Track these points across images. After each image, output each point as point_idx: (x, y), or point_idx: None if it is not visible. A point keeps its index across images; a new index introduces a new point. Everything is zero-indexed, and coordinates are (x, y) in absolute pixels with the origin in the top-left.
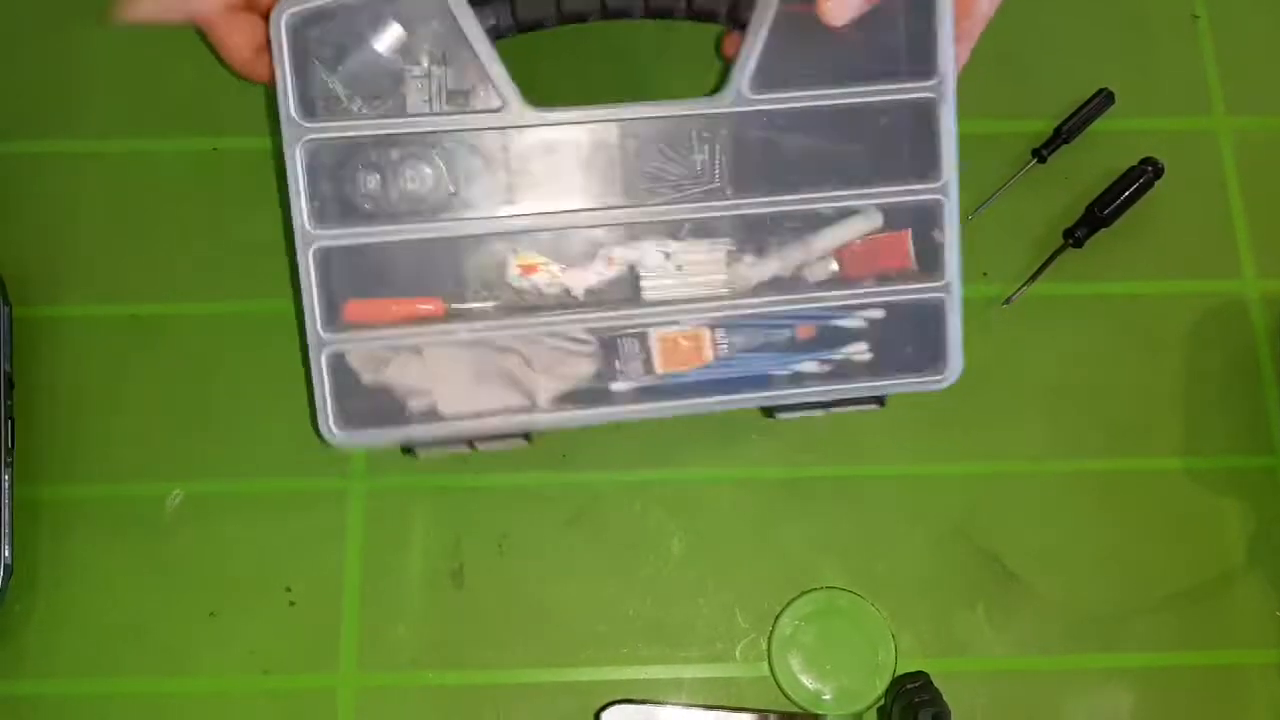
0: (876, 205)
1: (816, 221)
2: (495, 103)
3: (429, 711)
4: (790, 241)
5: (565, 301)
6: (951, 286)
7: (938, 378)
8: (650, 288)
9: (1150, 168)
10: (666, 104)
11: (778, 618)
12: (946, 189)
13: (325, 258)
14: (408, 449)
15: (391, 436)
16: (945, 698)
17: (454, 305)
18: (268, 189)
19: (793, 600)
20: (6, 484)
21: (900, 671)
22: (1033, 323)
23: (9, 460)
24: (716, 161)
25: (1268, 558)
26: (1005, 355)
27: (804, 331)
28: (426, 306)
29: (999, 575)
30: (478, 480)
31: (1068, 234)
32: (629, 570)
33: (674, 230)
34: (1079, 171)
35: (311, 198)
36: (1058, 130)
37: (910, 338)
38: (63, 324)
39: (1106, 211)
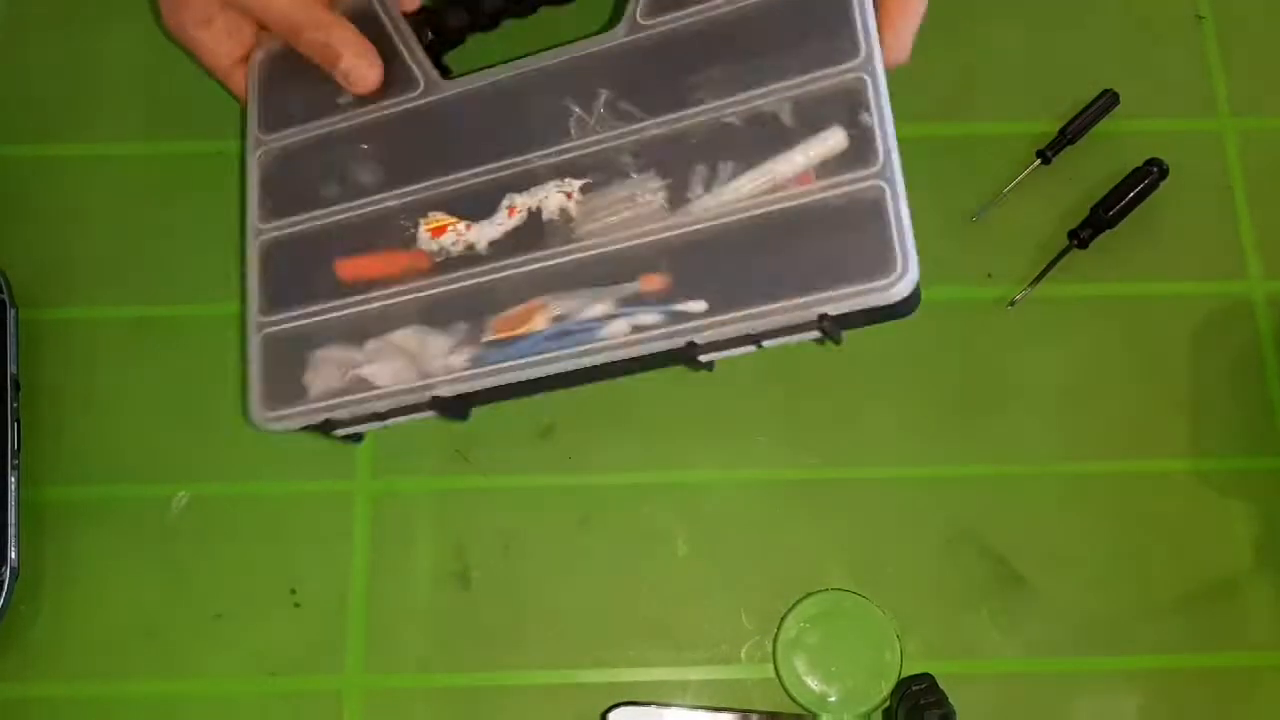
0: (840, 126)
1: (746, 146)
2: (414, 85)
3: (435, 713)
4: (745, 171)
5: (472, 258)
6: (890, 174)
7: (885, 282)
8: (587, 231)
9: (1155, 169)
10: (562, 49)
11: (783, 619)
12: (869, 65)
13: (269, 251)
14: (323, 430)
15: (305, 420)
16: (951, 700)
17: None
18: None
19: (798, 602)
20: (12, 486)
21: (906, 673)
22: (1037, 325)
23: (15, 462)
24: (618, 97)
25: (1276, 559)
26: (1010, 357)
27: (649, 282)
28: (413, 260)
29: (1005, 577)
30: (484, 482)
31: (1072, 235)
32: (635, 572)
33: (580, 171)
34: (1083, 173)
35: (264, 199)
36: (1062, 131)
37: (848, 245)
38: (68, 326)
39: (1111, 213)
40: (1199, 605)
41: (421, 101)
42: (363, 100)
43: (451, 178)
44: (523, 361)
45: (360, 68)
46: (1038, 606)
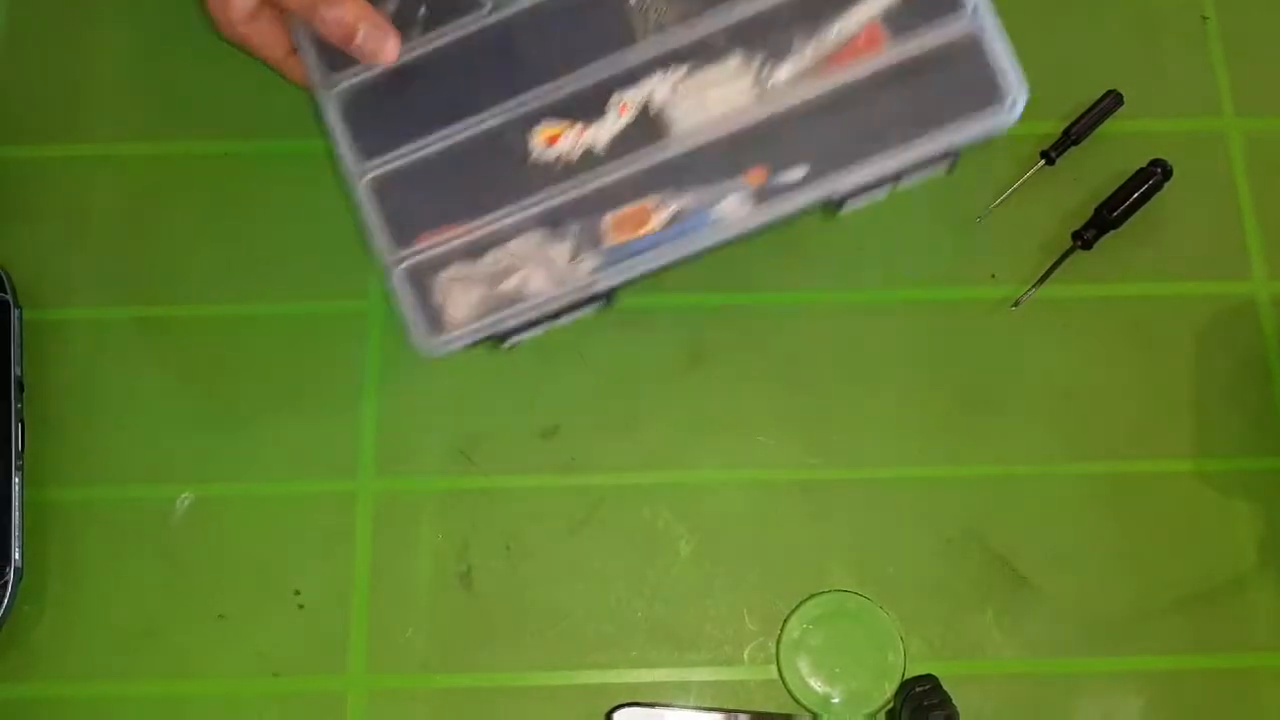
0: None
1: (816, 11)
2: (477, 3)
3: (438, 714)
4: (810, 34)
5: (592, 162)
6: (979, 17)
7: (1001, 109)
8: (680, 119)
9: (1159, 169)
10: None
11: (786, 620)
12: None
13: (379, 188)
14: (497, 341)
15: (477, 335)
16: (954, 701)
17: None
18: (277, 192)
19: (801, 603)
20: (17, 487)
21: (909, 675)
22: (1041, 325)
23: (20, 463)
24: None
25: (1279, 560)
26: (1014, 358)
27: (753, 178)
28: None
29: (1008, 578)
30: (486, 482)
31: (1076, 236)
32: (637, 573)
33: (679, 60)
34: (1087, 173)
35: (354, 138)
36: (1066, 132)
37: (961, 83)
38: (73, 327)
39: (1115, 213)
40: (1202, 606)
41: (492, 19)
42: (428, 26)
43: (549, 86)
44: (675, 245)
45: (375, 39)
46: (1041, 607)
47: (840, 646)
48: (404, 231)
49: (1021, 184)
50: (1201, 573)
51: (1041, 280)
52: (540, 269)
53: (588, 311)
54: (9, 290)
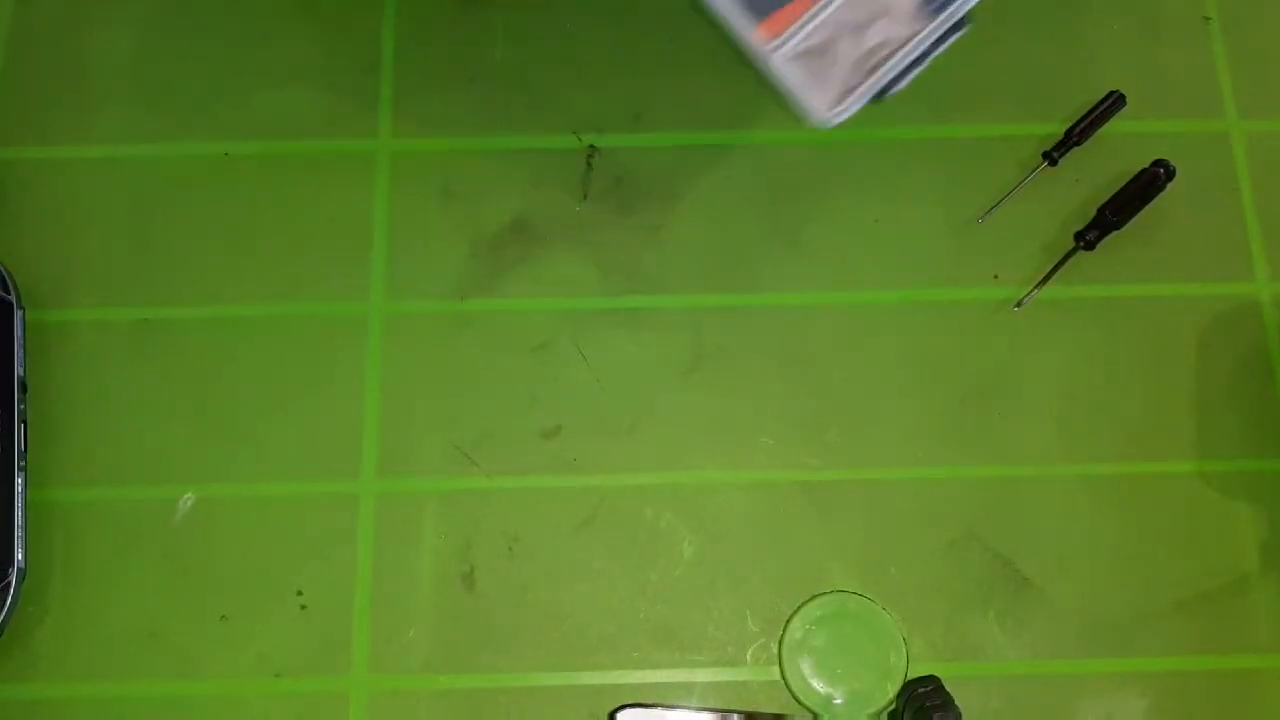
0: None
1: None
2: None
3: (440, 714)
4: None
5: None
6: None
7: None
8: None
9: (1162, 170)
10: None
11: (788, 621)
12: None
13: None
14: (879, 95)
15: (865, 94)
16: (957, 702)
17: None
18: (276, 192)
19: (803, 604)
20: (20, 487)
21: (912, 675)
22: (1044, 326)
23: (22, 464)
24: None
25: None
26: (1016, 359)
27: None
28: None
29: (1011, 579)
30: (488, 483)
31: (1079, 237)
32: (640, 573)
33: None
34: (1090, 174)
35: None
36: (1069, 133)
37: None
38: (75, 327)
39: (1118, 214)
40: (1205, 607)
41: None
42: None
43: None
44: None
45: None
46: (1043, 608)
47: (843, 647)
48: (763, 20)
49: (1024, 185)
50: (1203, 574)
51: (1044, 281)
52: (891, 18)
53: (957, 37)
54: (12, 291)
